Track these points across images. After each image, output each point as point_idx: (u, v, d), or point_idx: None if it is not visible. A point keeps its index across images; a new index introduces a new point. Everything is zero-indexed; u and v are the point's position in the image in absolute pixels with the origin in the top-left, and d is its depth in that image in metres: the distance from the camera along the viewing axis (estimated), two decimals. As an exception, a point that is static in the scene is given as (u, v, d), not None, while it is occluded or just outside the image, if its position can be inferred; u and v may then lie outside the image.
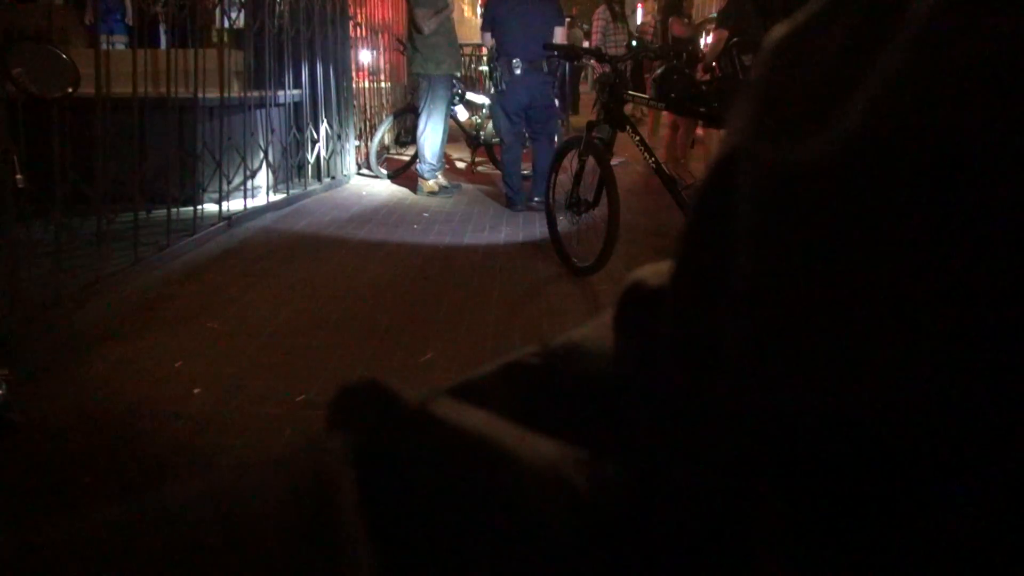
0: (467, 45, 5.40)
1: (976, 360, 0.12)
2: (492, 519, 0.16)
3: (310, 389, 2.19)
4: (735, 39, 4.43)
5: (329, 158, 5.49)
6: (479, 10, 4.78)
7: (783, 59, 0.16)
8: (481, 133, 5.66)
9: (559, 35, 4.56)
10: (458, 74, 5.14)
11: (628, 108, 3.36)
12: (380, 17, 6.95)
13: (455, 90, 5.17)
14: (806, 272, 0.14)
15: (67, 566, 0.16)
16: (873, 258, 0.13)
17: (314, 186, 5.20)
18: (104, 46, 3.29)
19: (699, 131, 5.52)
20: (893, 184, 0.13)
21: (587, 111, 8.43)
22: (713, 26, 5.34)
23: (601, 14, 6.55)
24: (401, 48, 6.69)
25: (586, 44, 8.52)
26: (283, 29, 4.85)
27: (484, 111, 5.48)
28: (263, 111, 4.70)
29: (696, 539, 0.16)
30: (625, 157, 5.93)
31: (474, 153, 6.01)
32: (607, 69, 3.46)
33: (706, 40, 5.74)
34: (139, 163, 3.50)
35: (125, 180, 3.38)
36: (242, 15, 4.64)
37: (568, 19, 5.57)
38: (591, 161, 3.25)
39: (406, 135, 5.79)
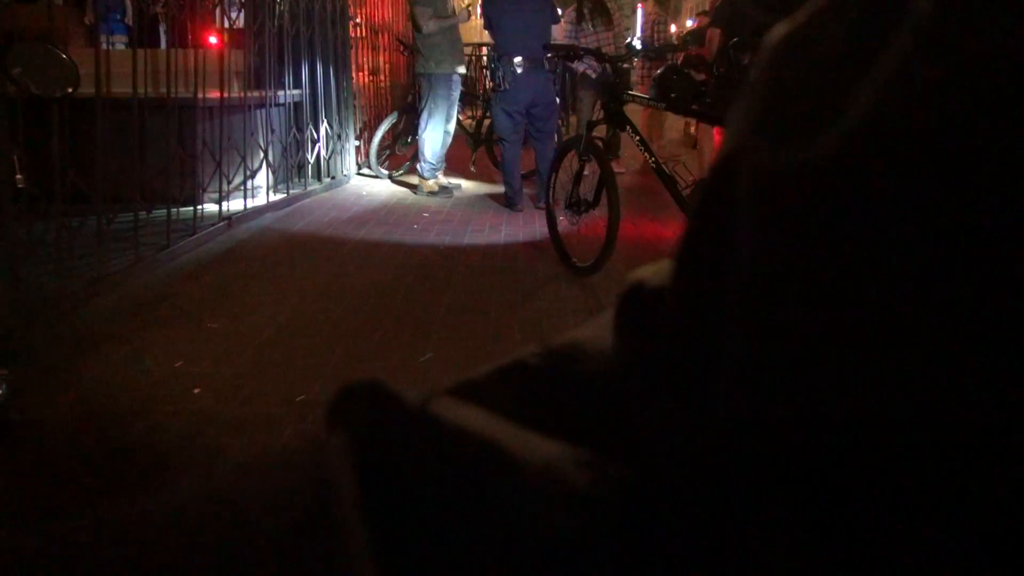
0: (468, 44, 5.39)
1: (979, 362, 0.12)
2: (492, 519, 0.16)
3: (310, 389, 2.19)
4: (734, 39, 4.41)
5: (329, 158, 5.49)
6: (479, 10, 4.77)
7: (783, 59, 0.16)
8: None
9: (555, 33, 4.57)
10: (462, 71, 5.12)
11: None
12: (380, 17, 6.95)
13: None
14: (806, 273, 0.14)
15: (68, 565, 0.16)
16: (874, 259, 0.13)
17: (314, 186, 5.20)
18: (104, 46, 3.29)
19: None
20: (893, 185, 0.13)
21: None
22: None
23: (568, 16, 6.21)
24: (403, 49, 6.69)
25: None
26: (283, 29, 4.85)
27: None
28: (263, 111, 4.70)
29: (696, 540, 0.16)
30: (625, 169, 5.91)
31: (475, 153, 6.01)
32: (605, 69, 3.46)
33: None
34: (139, 163, 3.50)
35: (125, 180, 3.38)
36: (242, 15, 4.64)
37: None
38: (591, 161, 3.25)
39: (406, 135, 5.78)
